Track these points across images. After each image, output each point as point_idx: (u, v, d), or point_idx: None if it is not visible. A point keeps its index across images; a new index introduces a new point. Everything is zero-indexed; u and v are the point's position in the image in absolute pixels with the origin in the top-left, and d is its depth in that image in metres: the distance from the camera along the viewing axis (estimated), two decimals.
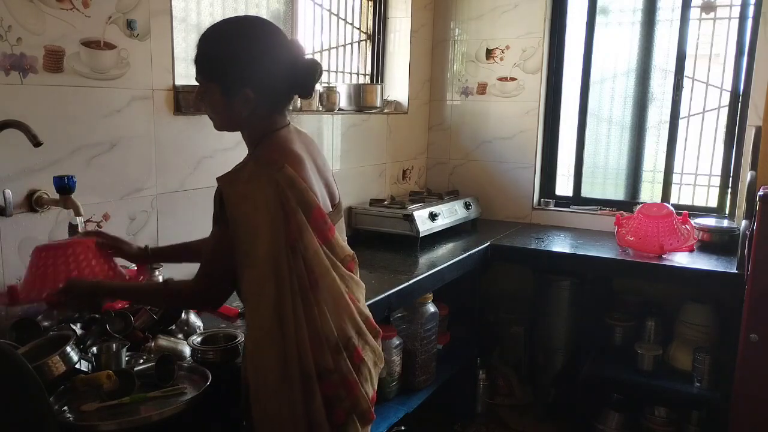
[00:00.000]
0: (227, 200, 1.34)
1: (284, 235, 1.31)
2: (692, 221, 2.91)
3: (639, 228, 2.83)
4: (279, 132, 1.45)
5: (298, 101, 2.69)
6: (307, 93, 1.47)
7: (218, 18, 2.48)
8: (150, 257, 1.75)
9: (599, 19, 3.37)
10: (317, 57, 3.09)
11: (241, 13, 2.59)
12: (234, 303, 2.04)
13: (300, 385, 1.33)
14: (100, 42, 1.88)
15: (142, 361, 1.54)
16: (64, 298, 1.48)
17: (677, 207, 2.99)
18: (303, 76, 1.43)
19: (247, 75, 1.38)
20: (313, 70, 1.44)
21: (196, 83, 1.46)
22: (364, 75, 3.46)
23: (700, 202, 3.31)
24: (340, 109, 2.95)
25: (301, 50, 1.44)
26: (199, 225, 2.28)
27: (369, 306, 2.09)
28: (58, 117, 1.79)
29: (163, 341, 1.59)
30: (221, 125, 1.50)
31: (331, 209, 1.48)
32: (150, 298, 1.57)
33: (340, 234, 1.51)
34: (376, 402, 2.42)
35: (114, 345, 1.52)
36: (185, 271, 2.24)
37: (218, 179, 1.36)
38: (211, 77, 1.41)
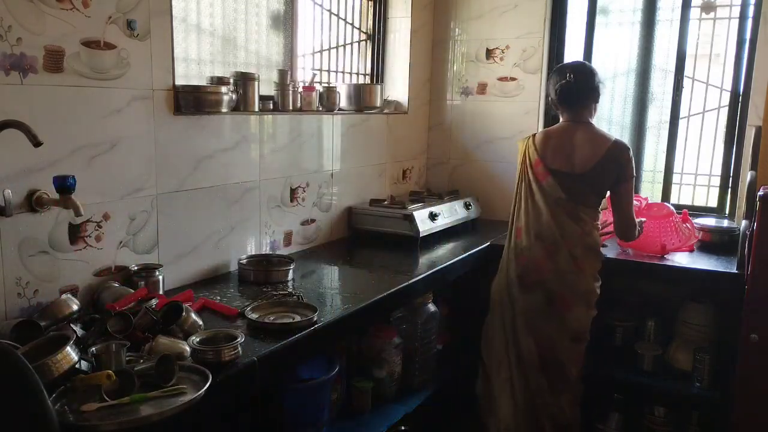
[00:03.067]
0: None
1: (520, 170, 2.68)
2: (692, 221, 2.91)
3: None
4: (560, 122, 2.65)
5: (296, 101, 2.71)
6: (560, 105, 2.64)
7: (218, 17, 2.50)
8: None
9: (599, 19, 3.37)
10: (317, 57, 3.10)
11: (241, 14, 2.61)
12: (234, 303, 2.05)
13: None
14: (100, 42, 1.88)
15: (142, 361, 1.53)
16: None
17: (677, 207, 2.99)
18: (556, 95, 2.63)
19: (552, 94, 2.66)
20: (558, 87, 2.59)
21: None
22: (364, 75, 3.46)
23: (700, 202, 3.31)
24: (340, 109, 2.95)
25: (559, 76, 2.61)
26: (199, 225, 2.29)
27: (369, 305, 2.13)
28: (58, 117, 1.79)
29: (163, 341, 1.59)
30: None
31: (563, 170, 2.54)
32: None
33: (563, 187, 2.55)
34: (375, 401, 2.49)
35: (114, 345, 1.52)
36: (182, 273, 2.25)
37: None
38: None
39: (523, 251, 2.61)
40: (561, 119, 2.64)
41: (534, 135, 2.66)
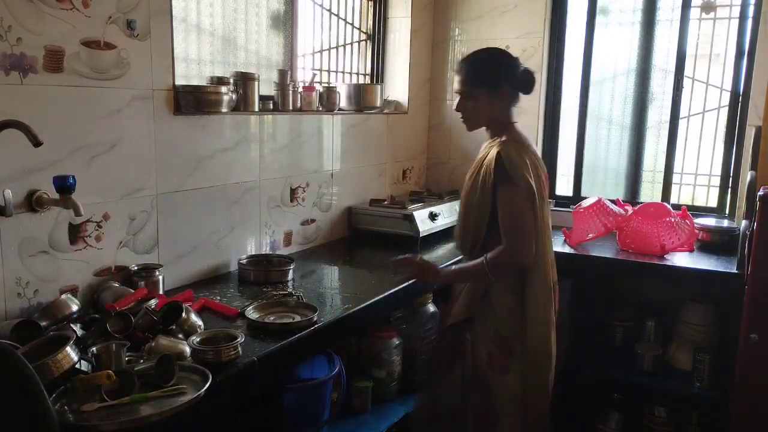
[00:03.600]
0: (510, 165, 1.92)
1: (537, 188, 1.95)
2: (692, 218, 2.92)
3: (639, 230, 2.83)
4: (515, 125, 2.07)
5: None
6: (529, 91, 2.07)
7: (218, 17, 2.50)
8: None
9: (599, 19, 3.37)
10: (317, 57, 3.10)
11: (241, 14, 2.60)
12: (234, 303, 2.04)
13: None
14: (100, 42, 1.88)
15: (142, 361, 1.54)
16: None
17: (677, 207, 2.99)
18: (528, 78, 2.04)
19: (504, 76, 2.02)
20: (533, 74, 2.06)
21: (458, 93, 2.07)
22: (364, 75, 3.46)
23: (700, 202, 3.31)
24: (340, 109, 2.95)
25: (520, 61, 2.08)
26: (199, 225, 2.29)
27: (369, 305, 2.13)
28: (58, 117, 1.79)
29: (163, 341, 1.59)
30: (476, 123, 2.11)
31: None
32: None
33: None
34: (375, 402, 2.49)
35: (114, 345, 1.52)
36: (182, 273, 2.25)
37: (499, 152, 1.95)
38: (479, 83, 2.02)
39: (554, 288, 2.15)
40: (505, 119, 2.08)
41: (525, 142, 2.06)
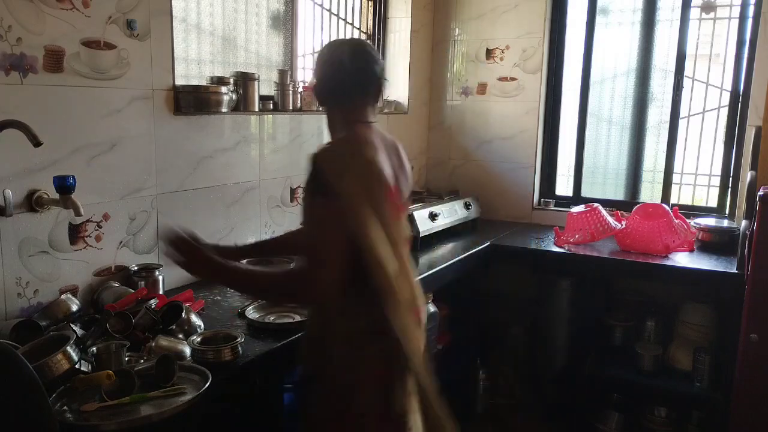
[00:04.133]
0: (330, 170, 1.45)
1: (374, 204, 1.45)
2: (692, 221, 2.93)
3: (639, 230, 2.83)
4: (358, 126, 1.65)
5: (295, 102, 2.70)
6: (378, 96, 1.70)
7: (218, 17, 2.49)
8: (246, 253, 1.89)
9: (599, 19, 3.37)
10: (317, 57, 3.09)
11: (241, 14, 2.60)
12: (234, 304, 2.04)
13: None
14: (100, 42, 1.88)
15: (142, 361, 1.54)
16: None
17: (678, 207, 3.00)
18: (373, 84, 1.67)
19: (329, 81, 1.70)
20: (380, 80, 1.68)
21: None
22: None
23: (700, 202, 3.31)
24: None
25: (371, 64, 1.67)
26: (199, 225, 2.29)
27: None
28: (58, 117, 1.79)
29: (163, 341, 1.59)
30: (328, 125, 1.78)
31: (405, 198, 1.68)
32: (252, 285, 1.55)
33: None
34: None
35: (114, 345, 1.52)
36: (182, 273, 2.24)
37: (316, 154, 1.50)
38: (324, 93, 1.74)
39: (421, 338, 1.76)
40: (360, 118, 1.68)
41: (367, 142, 1.59)
